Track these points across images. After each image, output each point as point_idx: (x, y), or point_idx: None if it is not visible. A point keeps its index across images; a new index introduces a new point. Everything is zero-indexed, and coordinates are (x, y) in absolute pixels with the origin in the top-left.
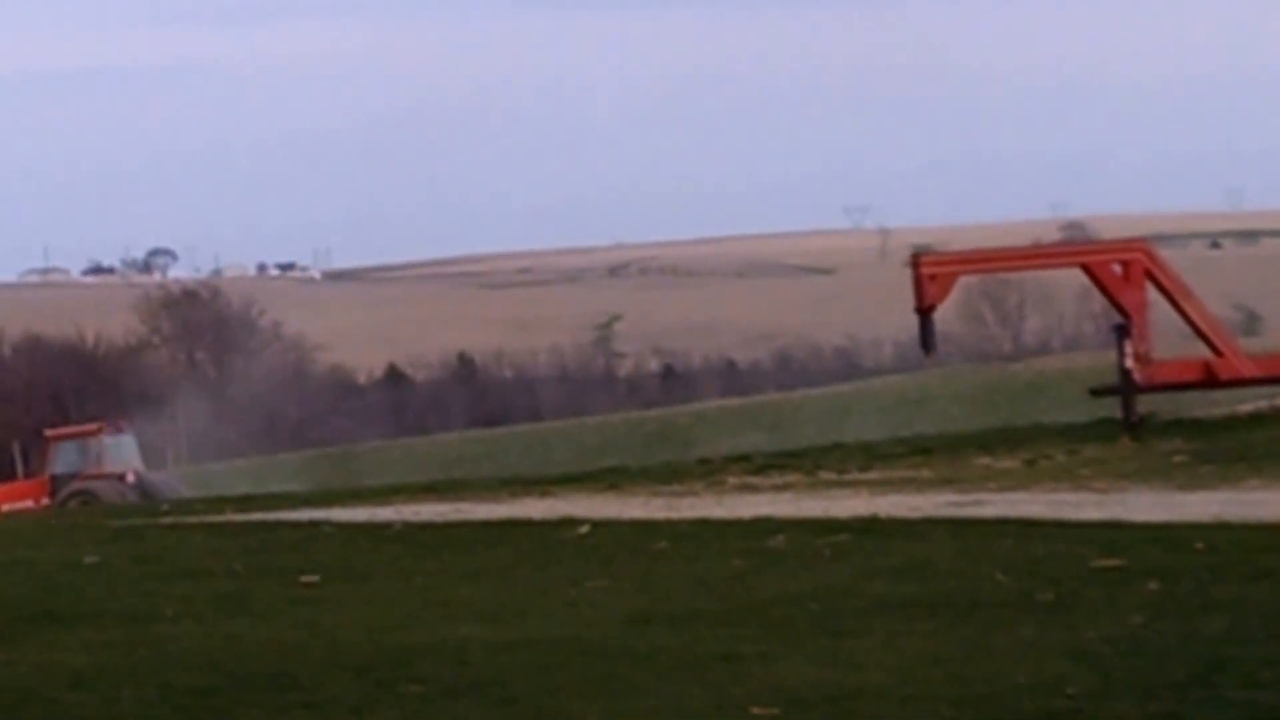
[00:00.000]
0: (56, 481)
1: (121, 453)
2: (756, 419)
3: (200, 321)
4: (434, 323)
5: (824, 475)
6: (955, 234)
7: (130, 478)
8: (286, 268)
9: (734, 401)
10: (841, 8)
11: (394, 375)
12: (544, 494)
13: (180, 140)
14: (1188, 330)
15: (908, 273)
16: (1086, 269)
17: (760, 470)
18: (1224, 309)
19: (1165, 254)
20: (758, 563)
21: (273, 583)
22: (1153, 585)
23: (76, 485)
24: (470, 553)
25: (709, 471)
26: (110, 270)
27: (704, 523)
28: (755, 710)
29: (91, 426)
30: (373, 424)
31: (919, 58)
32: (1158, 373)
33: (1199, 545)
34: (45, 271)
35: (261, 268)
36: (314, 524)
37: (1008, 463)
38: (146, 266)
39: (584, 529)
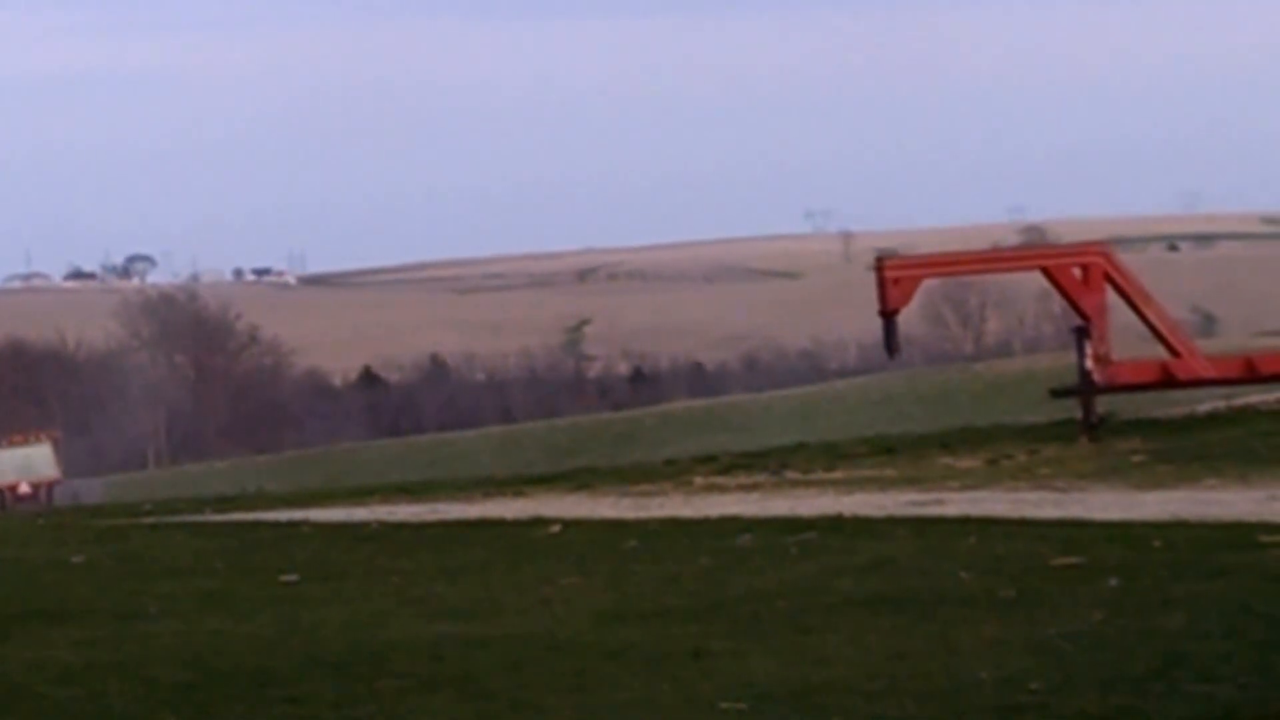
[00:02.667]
0: None
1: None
2: (724, 420)
3: (179, 326)
4: (407, 326)
5: (790, 475)
6: (916, 238)
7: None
8: (262, 273)
9: (701, 403)
10: (803, 16)
11: (369, 378)
12: (516, 494)
13: (159, 147)
14: (1146, 332)
15: (871, 276)
16: (1046, 272)
17: (727, 470)
18: (1181, 311)
19: (1124, 257)
20: (726, 561)
21: (253, 581)
22: (1112, 582)
23: None
24: (445, 552)
25: (677, 472)
26: (91, 276)
27: (673, 522)
28: (724, 705)
29: None
30: (348, 425)
31: (879, 65)
32: (1117, 374)
33: (1157, 543)
34: (27, 277)
35: (238, 273)
36: (293, 524)
37: (969, 462)
38: (126, 272)
39: (555, 528)
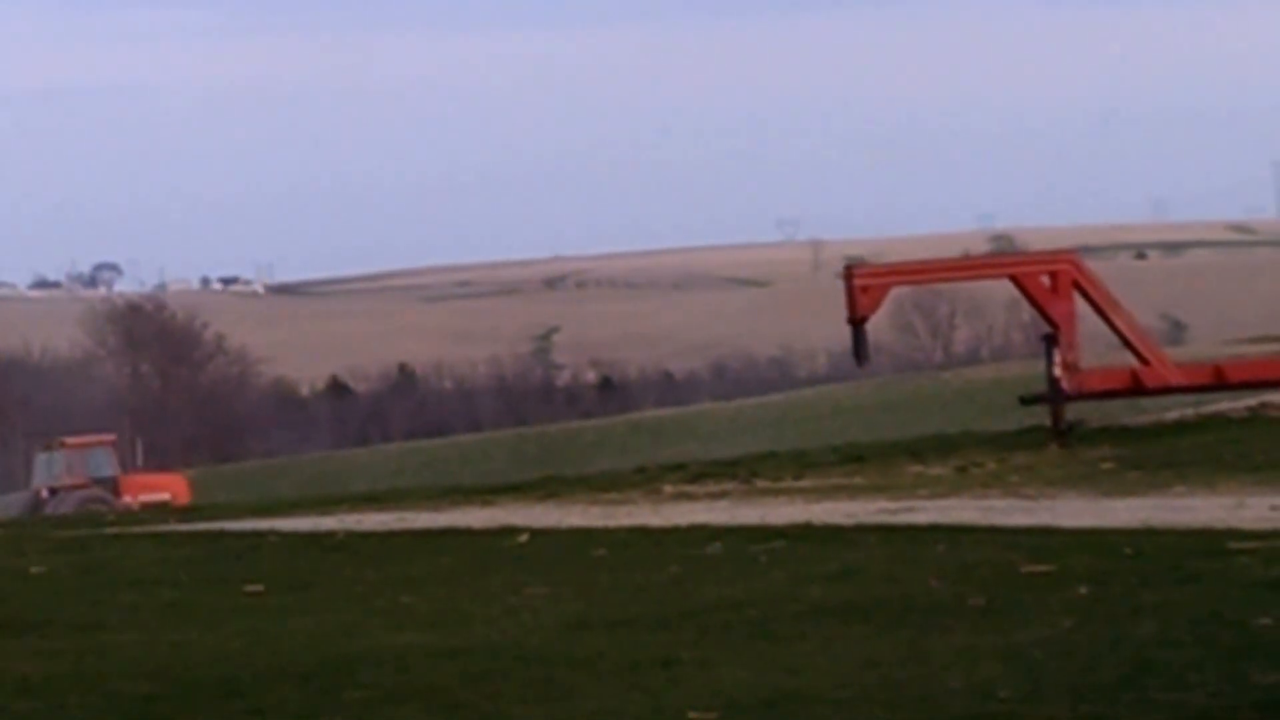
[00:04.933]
0: None
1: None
2: (692, 428)
3: (145, 335)
4: (375, 335)
5: (759, 483)
6: (885, 246)
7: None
8: (230, 282)
9: (670, 411)
10: (775, 25)
11: (336, 387)
12: (484, 503)
13: (126, 156)
14: (1115, 339)
15: (840, 284)
16: (1015, 280)
17: (696, 479)
18: (1150, 318)
19: (1092, 265)
20: (695, 569)
21: (217, 592)
22: (1082, 590)
23: None
24: (412, 561)
25: (646, 480)
26: (57, 285)
27: (642, 530)
28: (693, 715)
29: None
30: (316, 435)
31: (851, 74)
32: (1086, 381)
33: (1127, 550)
34: None
35: (205, 282)
36: (258, 534)
37: (939, 470)
38: (92, 281)
39: (523, 537)
